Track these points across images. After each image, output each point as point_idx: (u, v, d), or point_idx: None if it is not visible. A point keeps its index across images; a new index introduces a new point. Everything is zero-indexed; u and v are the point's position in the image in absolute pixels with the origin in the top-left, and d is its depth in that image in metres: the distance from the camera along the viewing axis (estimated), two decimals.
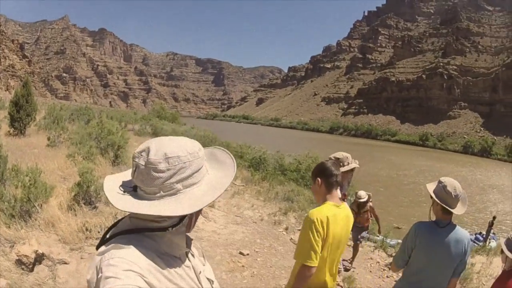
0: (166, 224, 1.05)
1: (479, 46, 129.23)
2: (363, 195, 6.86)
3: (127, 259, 0.94)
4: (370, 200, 7.08)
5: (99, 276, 0.92)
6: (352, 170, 3.64)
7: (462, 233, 2.79)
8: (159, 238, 1.07)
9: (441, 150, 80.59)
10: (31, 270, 3.66)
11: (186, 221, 1.10)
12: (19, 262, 3.60)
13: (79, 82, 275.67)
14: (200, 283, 1.17)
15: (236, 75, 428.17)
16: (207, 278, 1.26)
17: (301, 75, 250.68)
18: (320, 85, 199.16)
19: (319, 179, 2.62)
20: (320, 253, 2.42)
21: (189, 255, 1.20)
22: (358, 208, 6.88)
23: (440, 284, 2.84)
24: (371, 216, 7.13)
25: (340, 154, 3.61)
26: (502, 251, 3.49)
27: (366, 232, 7.21)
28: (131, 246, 0.99)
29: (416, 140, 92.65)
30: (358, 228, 6.77)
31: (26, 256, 3.61)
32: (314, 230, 2.38)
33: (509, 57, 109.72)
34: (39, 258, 3.75)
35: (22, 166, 5.78)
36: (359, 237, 6.91)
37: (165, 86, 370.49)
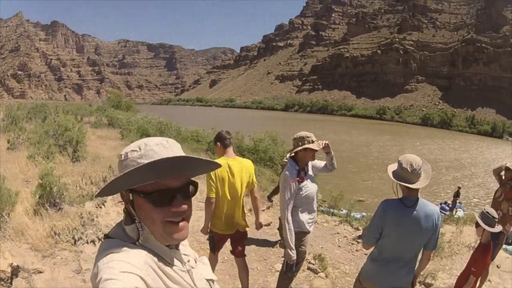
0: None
1: (437, 23, 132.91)
2: None
3: (125, 261, 0.97)
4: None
5: (98, 279, 0.93)
6: (312, 150, 3.66)
7: (430, 207, 2.82)
8: (143, 246, 1.08)
9: (399, 123, 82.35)
10: (10, 284, 3.58)
11: (142, 230, 1.08)
12: None
13: (33, 79, 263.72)
14: (195, 286, 1.17)
15: (188, 58, 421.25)
16: (207, 279, 1.26)
17: (253, 55, 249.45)
18: (273, 64, 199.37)
19: (218, 143, 3.94)
20: (220, 189, 3.79)
21: (183, 258, 1.19)
22: None
23: (414, 258, 2.92)
24: None
25: (303, 133, 3.67)
26: (477, 224, 3.70)
27: None
28: (128, 249, 1.02)
29: (373, 114, 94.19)
30: None
31: (3, 271, 3.52)
32: (212, 176, 3.75)
33: (469, 33, 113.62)
34: (15, 271, 3.68)
35: None
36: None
37: (118, 75, 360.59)
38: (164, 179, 1.05)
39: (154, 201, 1.05)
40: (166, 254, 1.11)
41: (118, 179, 1.03)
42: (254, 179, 4.12)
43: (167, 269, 1.09)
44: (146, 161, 1.03)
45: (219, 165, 1.21)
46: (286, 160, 4.48)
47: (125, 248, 1.02)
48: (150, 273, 1.01)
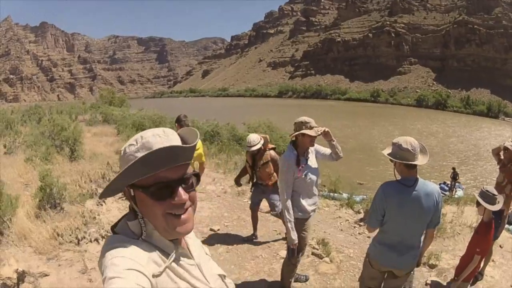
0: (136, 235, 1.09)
1: (428, 5, 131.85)
2: (254, 140, 5.10)
3: (128, 258, 0.96)
4: (270, 147, 5.34)
5: (103, 277, 0.93)
6: (310, 136, 3.65)
7: (430, 186, 2.86)
8: (146, 242, 1.08)
9: (394, 105, 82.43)
10: None
11: (145, 225, 1.08)
12: (4, 286, 3.50)
13: (26, 81, 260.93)
14: (207, 280, 1.15)
15: (179, 50, 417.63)
16: (219, 274, 1.24)
17: (244, 43, 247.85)
18: (264, 51, 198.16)
19: (176, 124, 5.13)
20: None
21: (191, 253, 1.17)
22: (253, 159, 5.34)
23: (418, 237, 2.96)
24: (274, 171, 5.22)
25: (302, 118, 3.66)
26: (478, 204, 3.72)
27: (272, 194, 5.35)
28: (131, 246, 1.01)
29: (367, 96, 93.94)
30: (259, 188, 5.50)
31: (9, 278, 3.52)
32: None
33: (461, 15, 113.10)
34: (21, 277, 3.66)
35: None
36: (257, 200, 5.64)
37: (110, 71, 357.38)
38: (161, 170, 1.03)
39: (153, 194, 1.04)
40: (171, 249, 1.09)
41: (119, 177, 1.02)
42: (203, 157, 5.15)
43: (173, 264, 1.07)
44: (142, 154, 1.01)
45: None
46: None
47: (129, 244, 1.01)
48: (154, 269, 1.00)
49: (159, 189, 1.04)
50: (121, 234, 1.09)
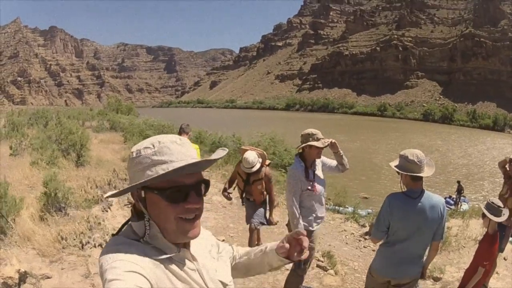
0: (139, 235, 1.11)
1: (435, 18, 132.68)
2: (253, 160, 4.79)
3: (128, 260, 0.98)
4: (266, 163, 5.08)
5: (103, 280, 0.95)
6: (317, 148, 3.65)
7: (435, 198, 2.88)
8: (149, 244, 1.09)
9: (401, 119, 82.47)
10: None
11: (150, 228, 1.09)
12: (5, 285, 3.49)
13: (33, 85, 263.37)
14: (206, 285, 1.15)
15: (187, 60, 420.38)
16: (220, 281, 1.22)
17: (253, 55, 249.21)
18: (272, 64, 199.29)
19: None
20: None
21: (193, 257, 1.17)
22: (247, 174, 5.02)
23: (422, 250, 2.95)
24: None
25: (309, 130, 3.67)
26: (483, 215, 3.71)
27: (261, 209, 5.15)
28: (132, 248, 1.03)
29: (374, 110, 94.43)
30: (250, 204, 5.26)
31: (10, 277, 3.51)
32: None
33: (467, 28, 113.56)
34: (23, 277, 3.65)
35: None
36: (253, 218, 5.11)
37: (118, 78, 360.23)
38: (179, 176, 1.06)
39: (169, 198, 1.05)
40: (173, 252, 1.10)
41: (147, 181, 1.04)
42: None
43: (174, 267, 1.08)
44: (160, 158, 1.05)
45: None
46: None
47: (129, 247, 1.03)
48: (154, 271, 1.01)
49: (175, 193, 1.06)
50: (123, 235, 1.11)
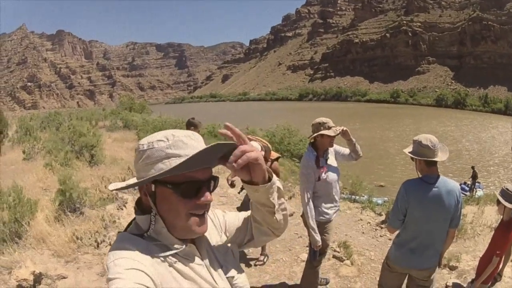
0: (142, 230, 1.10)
1: (443, 2, 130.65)
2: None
3: (130, 258, 0.97)
4: (274, 157, 4.47)
5: (107, 277, 0.95)
6: (329, 136, 3.58)
7: (452, 183, 2.81)
8: (153, 239, 1.08)
9: (414, 105, 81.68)
10: None
11: (155, 223, 1.08)
12: (20, 287, 3.52)
13: (44, 89, 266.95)
14: (214, 281, 1.13)
15: (198, 55, 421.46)
16: (227, 276, 1.20)
17: (263, 47, 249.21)
18: (283, 54, 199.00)
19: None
20: None
21: (200, 251, 1.16)
22: None
23: (439, 237, 2.88)
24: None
25: (319, 119, 3.60)
26: (498, 202, 3.62)
27: None
28: (136, 245, 1.02)
29: (387, 97, 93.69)
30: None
31: (25, 279, 3.52)
32: None
33: (475, 12, 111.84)
34: (38, 279, 3.67)
35: (2, 186, 5.60)
36: None
37: (129, 77, 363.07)
38: (193, 170, 1.05)
39: (182, 192, 1.04)
40: (179, 248, 1.09)
41: (165, 172, 1.01)
42: None
43: (180, 265, 1.07)
44: (175, 152, 1.03)
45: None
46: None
47: (133, 244, 1.02)
48: (157, 268, 1.00)
49: (189, 187, 1.05)
50: (129, 231, 1.11)
